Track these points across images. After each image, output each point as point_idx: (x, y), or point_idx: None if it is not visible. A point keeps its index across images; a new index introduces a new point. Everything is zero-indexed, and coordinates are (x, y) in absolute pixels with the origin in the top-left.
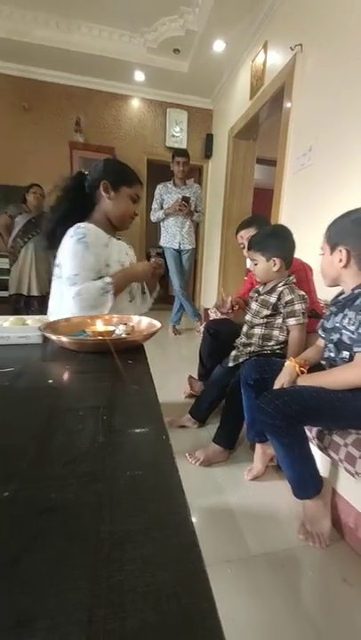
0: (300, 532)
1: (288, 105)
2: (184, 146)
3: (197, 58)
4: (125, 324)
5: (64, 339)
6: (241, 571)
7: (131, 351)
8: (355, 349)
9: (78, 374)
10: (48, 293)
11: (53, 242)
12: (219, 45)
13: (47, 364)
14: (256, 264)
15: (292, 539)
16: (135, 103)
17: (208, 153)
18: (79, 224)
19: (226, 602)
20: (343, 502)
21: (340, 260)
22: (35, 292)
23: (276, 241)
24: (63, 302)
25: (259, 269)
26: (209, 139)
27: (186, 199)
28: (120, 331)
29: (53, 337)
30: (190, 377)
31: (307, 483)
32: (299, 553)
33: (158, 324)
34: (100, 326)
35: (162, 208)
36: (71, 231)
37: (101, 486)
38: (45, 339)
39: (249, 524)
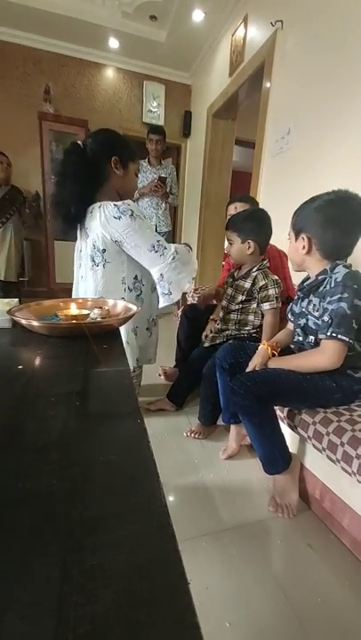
0: (270, 504)
1: (267, 85)
2: (162, 122)
3: (175, 27)
4: (100, 308)
5: (35, 323)
6: (215, 543)
7: (106, 335)
8: (320, 336)
9: (50, 359)
10: (21, 280)
11: (75, 225)
12: (198, 15)
13: (17, 349)
14: (231, 244)
15: (262, 511)
16: (110, 73)
17: (186, 131)
18: (115, 203)
19: (200, 572)
20: (310, 476)
21: (303, 247)
22: (12, 278)
23: (254, 224)
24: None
25: (233, 249)
26: (187, 116)
27: (162, 179)
28: (95, 314)
29: (23, 321)
30: (162, 367)
31: (276, 459)
32: (268, 523)
33: (134, 308)
34: (73, 310)
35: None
36: (113, 211)
37: (73, 473)
38: (15, 323)
39: (223, 500)
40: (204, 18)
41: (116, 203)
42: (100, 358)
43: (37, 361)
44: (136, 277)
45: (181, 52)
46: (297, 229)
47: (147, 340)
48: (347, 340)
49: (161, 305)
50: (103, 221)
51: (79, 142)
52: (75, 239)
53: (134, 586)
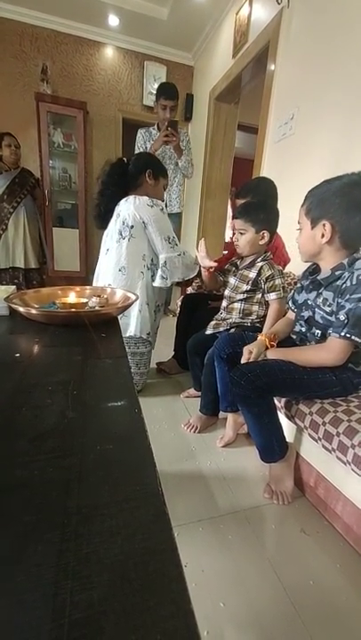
0: (266, 491)
1: (272, 68)
2: None
3: (178, 4)
4: (99, 297)
5: (33, 311)
6: (211, 528)
7: (104, 324)
8: (332, 333)
9: (48, 348)
10: (44, 262)
11: (105, 220)
12: None
13: (14, 337)
14: (243, 234)
15: (258, 498)
16: (109, 52)
17: (188, 115)
18: (149, 197)
19: (196, 556)
20: (306, 464)
21: (323, 236)
22: (33, 265)
23: (269, 214)
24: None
25: (244, 240)
26: (189, 99)
27: (173, 124)
28: (93, 303)
29: (21, 309)
30: (157, 363)
31: (273, 448)
32: (264, 510)
33: (133, 297)
34: (72, 298)
35: (163, 199)
36: (147, 201)
37: (70, 462)
38: (12, 311)
39: (220, 487)
40: None
41: (150, 197)
42: (98, 347)
43: (35, 349)
44: (152, 260)
45: (184, 30)
46: (315, 216)
47: (152, 322)
48: (360, 341)
49: (155, 283)
50: (137, 205)
51: (124, 158)
52: (102, 228)
53: (129, 573)
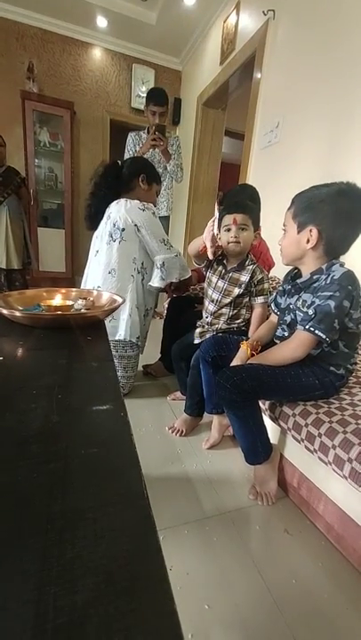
0: (251, 492)
1: (258, 76)
2: None
3: (166, 9)
4: (85, 299)
5: (18, 313)
6: (196, 530)
7: (90, 327)
8: (298, 327)
9: (32, 351)
10: (29, 263)
11: (95, 221)
12: None
13: None
14: (244, 229)
15: (243, 499)
16: (97, 53)
17: (176, 119)
18: (142, 202)
19: (182, 559)
20: (289, 465)
21: (308, 241)
22: (15, 265)
23: (258, 210)
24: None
25: (246, 236)
26: (177, 103)
27: (160, 128)
28: (79, 305)
29: (5, 311)
30: (144, 366)
31: (258, 450)
32: (248, 511)
33: (120, 300)
34: (57, 300)
35: (155, 204)
36: (139, 204)
37: (54, 466)
38: None
39: (205, 489)
40: (196, 2)
41: (143, 202)
42: (84, 350)
43: (19, 352)
44: (143, 264)
45: (172, 36)
46: (302, 221)
47: (142, 326)
48: (324, 336)
49: (156, 284)
50: (128, 208)
51: (118, 161)
52: (92, 229)
53: (114, 576)
